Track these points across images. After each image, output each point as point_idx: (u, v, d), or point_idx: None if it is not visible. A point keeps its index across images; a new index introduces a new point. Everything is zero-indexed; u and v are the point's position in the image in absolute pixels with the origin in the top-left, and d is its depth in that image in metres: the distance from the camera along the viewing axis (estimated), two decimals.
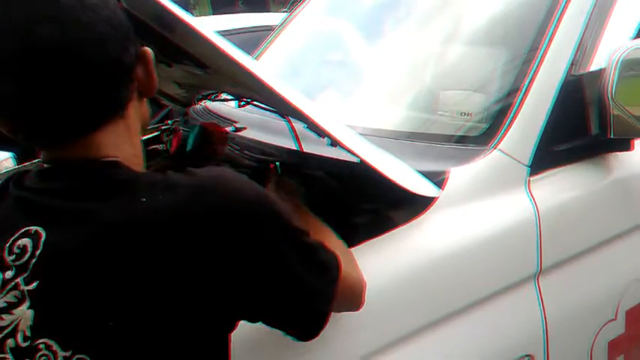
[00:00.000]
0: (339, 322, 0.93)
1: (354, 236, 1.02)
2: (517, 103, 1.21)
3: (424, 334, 1.02)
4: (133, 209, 0.68)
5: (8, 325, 0.69)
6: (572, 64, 1.26)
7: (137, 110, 0.79)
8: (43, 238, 0.69)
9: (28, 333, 0.68)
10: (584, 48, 1.28)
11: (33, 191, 0.73)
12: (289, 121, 1.30)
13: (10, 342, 0.69)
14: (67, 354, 0.67)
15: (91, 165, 0.72)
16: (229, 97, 1.61)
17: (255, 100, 1.39)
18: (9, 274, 0.70)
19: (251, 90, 1.19)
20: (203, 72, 1.21)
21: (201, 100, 1.75)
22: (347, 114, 1.48)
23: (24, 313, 0.68)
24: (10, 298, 0.69)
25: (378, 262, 1.01)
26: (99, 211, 0.69)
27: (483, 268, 1.10)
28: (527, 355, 1.13)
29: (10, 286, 0.69)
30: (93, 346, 0.67)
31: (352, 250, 0.99)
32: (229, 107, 1.68)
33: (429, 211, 1.07)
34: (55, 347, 0.67)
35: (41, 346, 0.67)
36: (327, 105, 1.54)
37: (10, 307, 0.69)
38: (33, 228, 0.70)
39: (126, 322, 0.67)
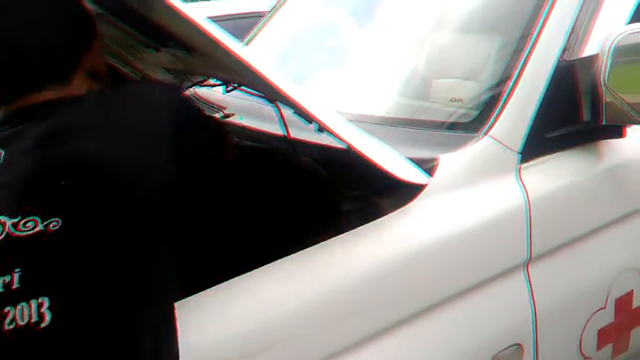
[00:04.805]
0: (327, 307, 0.92)
1: (340, 224, 1.00)
2: (508, 90, 1.19)
3: (412, 322, 1.01)
4: None
5: None
6: (564, 49, 1.24)
7: None
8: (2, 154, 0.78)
9: None
10: (576, 33, 1.26)
11: None
12: (277, 107, 1.28)
13: None
14: (16, 220, 0.72)
15: None
16: (217, 82, 1.58)
17: (243, 85, 1.36)
18: None
19: (236, 73, 1.17)
20: (189, 55, 1.19)
21: (189, 87, 1.72)
22: (337, 100, 1.45)
23: None
24: None
25: (364, 251, 0.99)
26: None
27: (472, 256, 1.08)
28: (516, 344, 1.12)
29: None
30: (44, 204, 0.72)
31: (338, 238, 0.97)
32: (218, 94, 1.65)
33: (417, 199, 1.05)
34: (3, 219, 0.72)
35: None
36: (317, 90, 1.52)
37: None
38: None
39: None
